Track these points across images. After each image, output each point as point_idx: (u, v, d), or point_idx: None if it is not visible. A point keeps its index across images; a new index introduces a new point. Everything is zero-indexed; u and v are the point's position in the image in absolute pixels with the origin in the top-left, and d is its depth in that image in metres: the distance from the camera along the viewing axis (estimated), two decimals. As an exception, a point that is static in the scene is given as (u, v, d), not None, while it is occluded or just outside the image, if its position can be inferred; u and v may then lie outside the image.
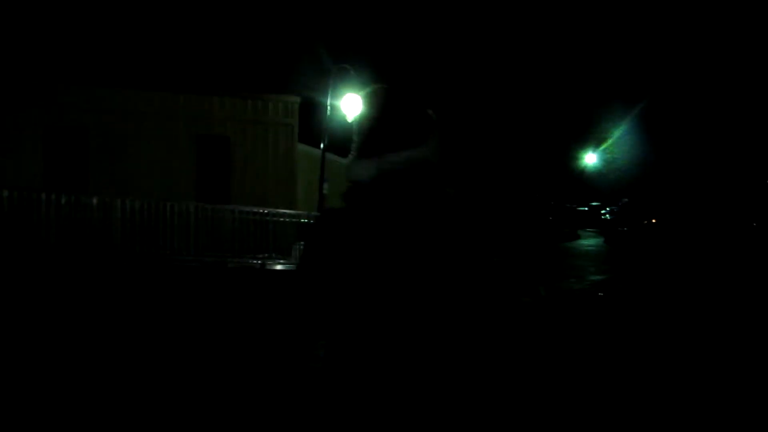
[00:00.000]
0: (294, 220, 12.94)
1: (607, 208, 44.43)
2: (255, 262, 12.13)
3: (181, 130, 13.88)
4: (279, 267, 12.32)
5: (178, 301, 8.59)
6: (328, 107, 14.88)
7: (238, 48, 17.57)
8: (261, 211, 12.44)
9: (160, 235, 11.02)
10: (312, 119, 16.65)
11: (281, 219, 12.69)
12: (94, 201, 10.60)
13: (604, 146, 44.39)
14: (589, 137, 43.66)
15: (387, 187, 1.47)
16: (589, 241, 29.25)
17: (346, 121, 15.41)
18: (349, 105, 14.92)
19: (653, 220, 29.17)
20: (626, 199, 50.08)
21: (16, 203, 9.84)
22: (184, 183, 13.71)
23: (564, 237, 30.35)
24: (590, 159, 45.62)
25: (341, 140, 20.26)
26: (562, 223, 35.58)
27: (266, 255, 12.36)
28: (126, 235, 10.69)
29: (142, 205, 10.88)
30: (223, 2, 21.74)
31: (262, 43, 20.83)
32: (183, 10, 17.08)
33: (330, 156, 15.32)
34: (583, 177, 46.26)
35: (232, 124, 14.38)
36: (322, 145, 15.02)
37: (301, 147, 15.68)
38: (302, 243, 13.21)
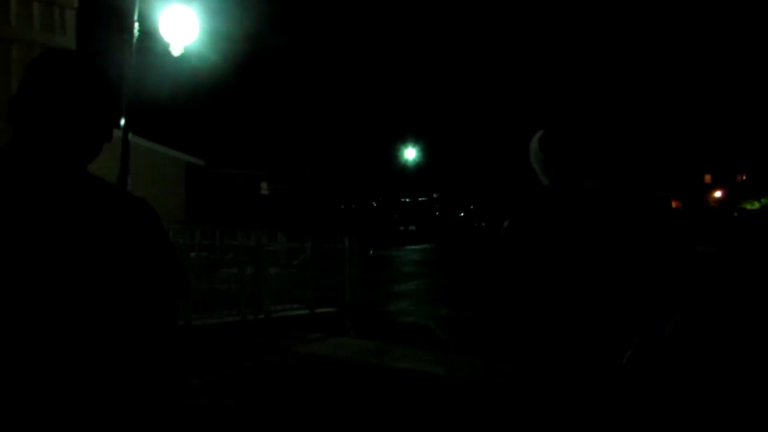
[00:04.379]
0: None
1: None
2: None
3: None
4: None
5: None
6: (135, 34, 8.24)
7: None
8: None
9: None
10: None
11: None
12: None
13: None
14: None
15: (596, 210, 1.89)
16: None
17: (169, 60, 8.91)
18: (176, 27, 8.47)
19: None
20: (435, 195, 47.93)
21: None
22: None
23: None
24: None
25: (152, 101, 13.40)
26: None
27: None
28: None
29: None
30: None
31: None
32: None
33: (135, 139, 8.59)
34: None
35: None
36: (123, 120, 8.22)
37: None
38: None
